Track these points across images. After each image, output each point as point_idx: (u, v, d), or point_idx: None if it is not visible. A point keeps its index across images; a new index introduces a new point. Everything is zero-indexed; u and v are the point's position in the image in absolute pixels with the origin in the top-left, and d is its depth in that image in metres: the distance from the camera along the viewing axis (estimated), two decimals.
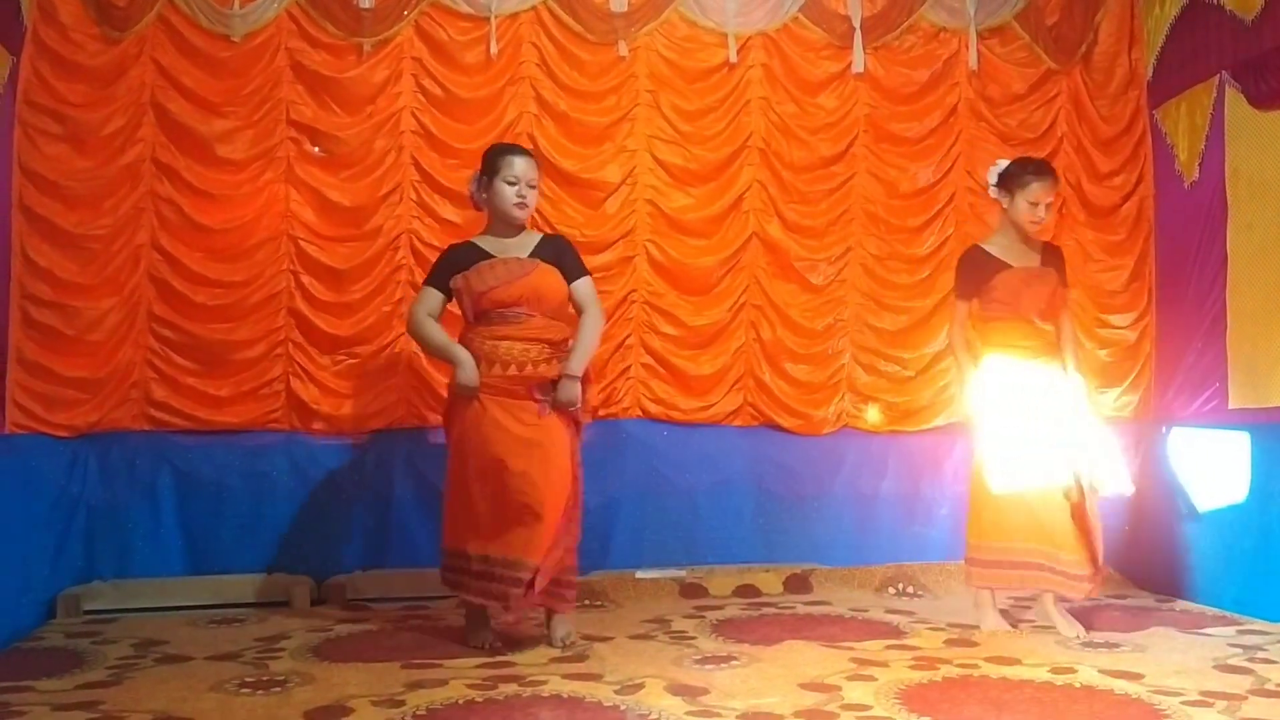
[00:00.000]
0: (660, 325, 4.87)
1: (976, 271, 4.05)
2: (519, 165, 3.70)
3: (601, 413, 4.68)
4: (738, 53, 4.89)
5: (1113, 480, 3.94)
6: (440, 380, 4.63)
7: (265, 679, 3.25)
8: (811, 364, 4.98)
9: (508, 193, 3.68)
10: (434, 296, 3.74)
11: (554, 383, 3.64)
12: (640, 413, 4.84)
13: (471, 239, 3.83)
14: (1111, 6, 5.12)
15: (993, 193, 4.12)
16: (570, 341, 3.72)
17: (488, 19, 4.69)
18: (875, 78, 5.02)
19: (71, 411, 4.32)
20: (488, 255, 3.70)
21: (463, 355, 3.62)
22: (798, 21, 4.95)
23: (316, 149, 4.62)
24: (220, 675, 3.28)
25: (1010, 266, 4.01)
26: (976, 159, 5.03)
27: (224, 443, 4.51)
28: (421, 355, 4.64)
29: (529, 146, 4.72)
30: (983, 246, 4.12)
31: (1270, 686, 3.16)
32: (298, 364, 4.57)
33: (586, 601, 4.30)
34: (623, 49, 4.81)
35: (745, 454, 4.92)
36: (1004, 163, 4.13)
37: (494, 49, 4.70)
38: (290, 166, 4.58)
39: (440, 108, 4.71)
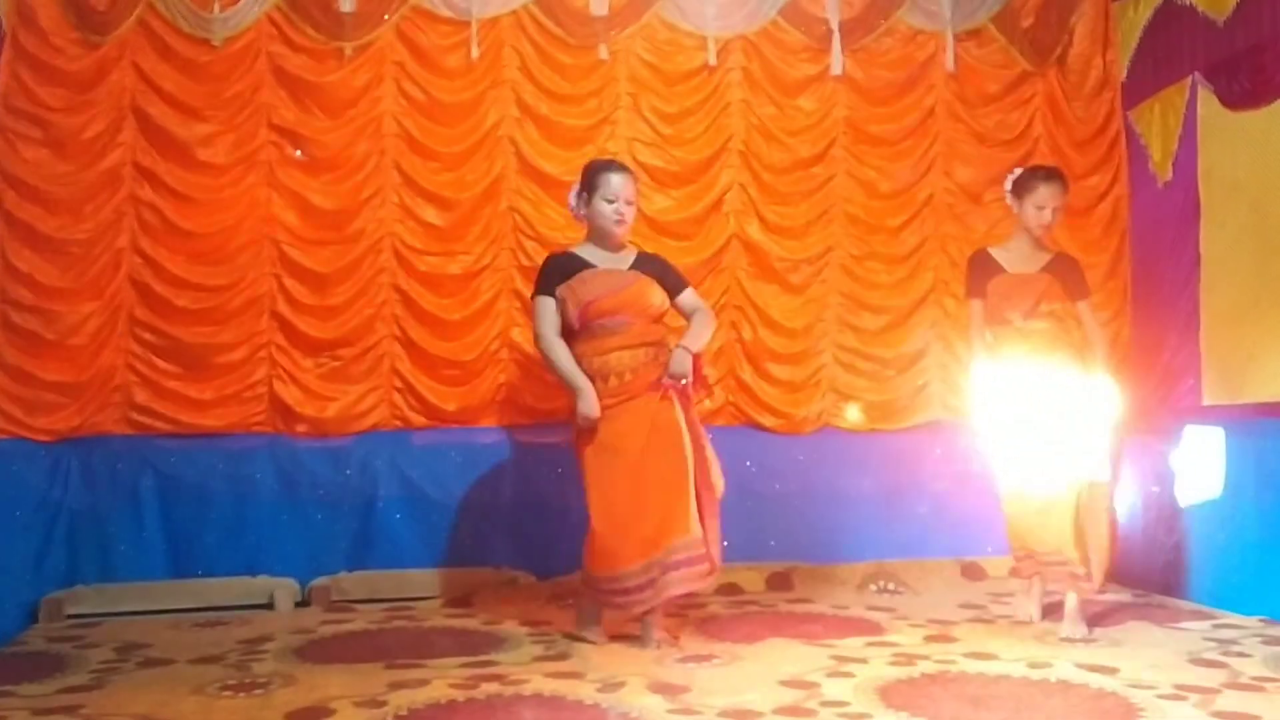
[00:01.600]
0: None
1: (979, 274, 4.13)
2: (616, 183, 3.77)
3: None
4: (717, 55, 4.92)
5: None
6: (425, 382, 4.70)
7: (247, 681, 3.25)
8: (792, 364, 5.02)
9: (607, 210, 3.77)
10: (552, 307, 3.77)
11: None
12: None
13: (570, 249, 3.90)
14: (1086, 9, 5.18)
15: (1008, 200, 4.18)
16: (668, 340, 3.82)
17: (469, 23, 4.71)
18: (854, 80, 5.06)
19: (53, 416, 4.33)
20: (589, 264, 3.78)
21: (584, 385, 3.67)
22: (776, 24, 4.99)
23: (298, 153, 4.63)
24: (202, 678, 3.28)
25: (1005, 272, 4.08)
26: (954, 160, 5.09)
27: (207, 446, 4.51)
28: (405, 358, 4.67)
29: (510, 150, 4.77)
30: (989, 250, 4.19)
31: (1244, 680, 3.19)
32: (281, 367, 4.59)
33: (569, 601, 4.31)
34: (603, 52, 4.84)
35: (727, 453, 4.83)
36: (1019, 171, 4.20)
37: (475, 53, 4.72)
38: (272, 170, 4.59)
39: (422, 111, 4.73)
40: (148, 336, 4.48)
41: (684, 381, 3.75)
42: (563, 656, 3.52)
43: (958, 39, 5.10)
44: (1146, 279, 5.05)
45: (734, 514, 4.87)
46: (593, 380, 3.67)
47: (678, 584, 3.57)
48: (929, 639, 3.77)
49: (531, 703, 3.00)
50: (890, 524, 4.98)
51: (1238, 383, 4.39)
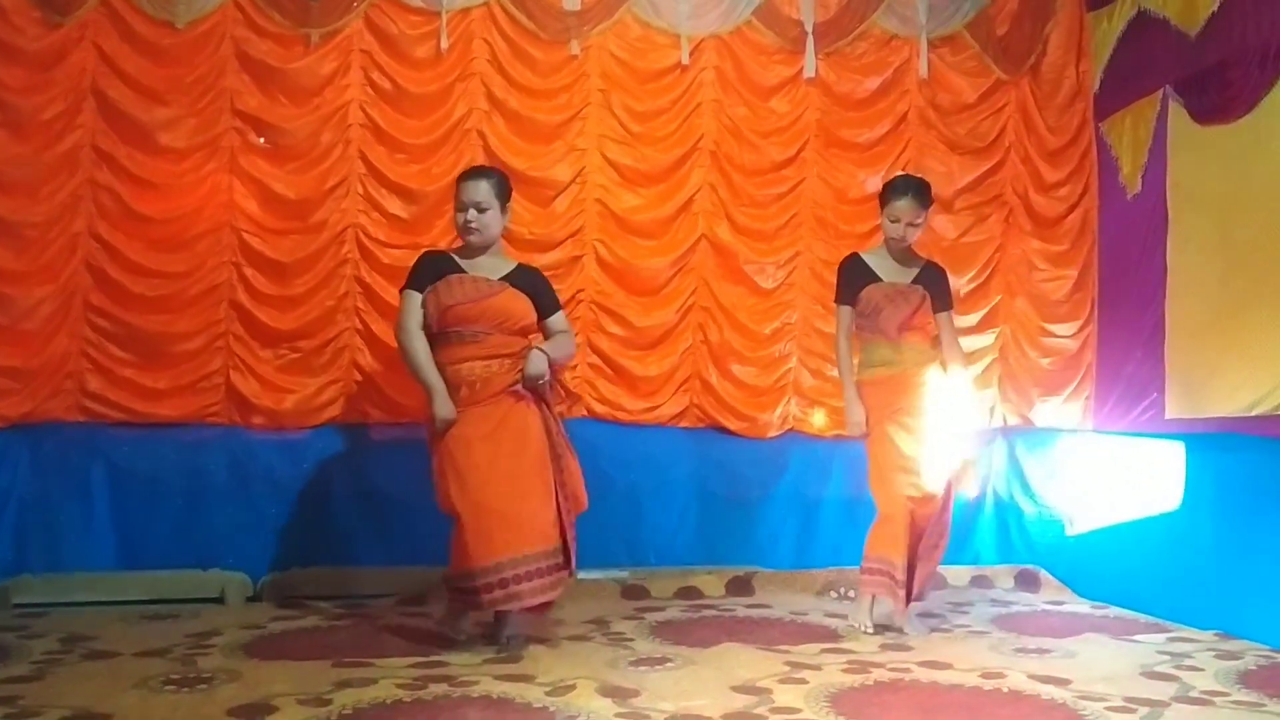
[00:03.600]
0: (608, 325, 4.86)
1: (851, 279, 4.12)
2: (465, 190, 3.76)
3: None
4: (690, 55, 4.89)
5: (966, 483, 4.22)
6: (386, 376, 4.61)
7: (191, 676, 3.19)
8: (758, 367, 5.00)
9: (459, 219, 3.78)
10: (417, 302, 3.73)
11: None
12: (586, 413, 4.81)
13: (448, 250, 3.88)
14: (1061, 19, 5.19)
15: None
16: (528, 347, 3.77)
17: (439, 13, 4.66)
18: (827, 83, 5.04)
19: (3, 402, 4.23)
20: (459, 270, 3.74)
21: (438, 385, 3.63)
22: (751, 25, 4.97)
23: (261, 140, 4.56)
24: (146, 672, 3.22)
25: (879, 280, 4.06)
26: (925, 166, 5.07)
27: (160, 436, 4.43)
28: (365, 351, 4.62)
29: (479, 143, 4.72)
30: (862, 255, 4.19)
31: (1194, 694, 3.20)
32: (238, 357, 4.51)
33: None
34: (575, 48, 4.79)
35: (690, 456, 4.92)
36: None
37: (444, 44, 4.66)
38: (234, 157, 4.51)
39: (389, 102, 4.66)
40: (102, 323, 4.39)
41: (541, 383, 3.71)
42: (514, 659, 3.48)
43: (932, 45, 5.10)
44: (1114, 291, 5.05)
45: (695, 517, 4.92)
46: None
47: (533, 594, 3.54)
48: (884, 647, 3.76)
49: (479, 704, 2.97)
50: (852, 530, 4.93)
51: (1200, 397, 4.40)
